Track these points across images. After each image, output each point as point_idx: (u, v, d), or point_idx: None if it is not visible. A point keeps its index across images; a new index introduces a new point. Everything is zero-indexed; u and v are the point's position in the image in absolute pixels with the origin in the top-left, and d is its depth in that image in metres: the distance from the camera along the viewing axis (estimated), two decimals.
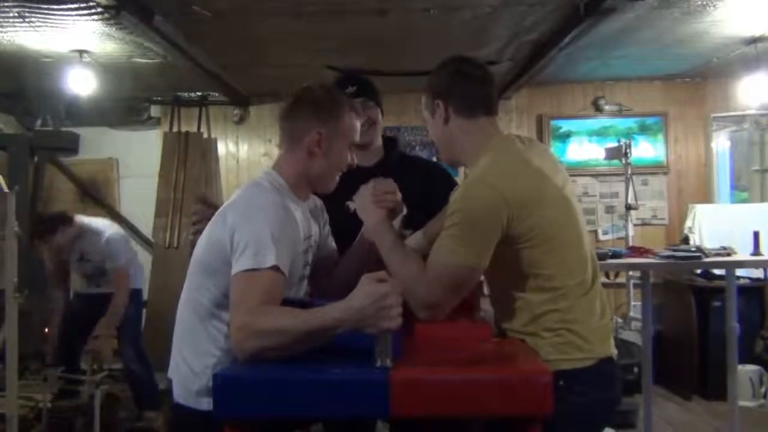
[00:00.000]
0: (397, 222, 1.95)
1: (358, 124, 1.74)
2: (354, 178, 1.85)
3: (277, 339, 1.35)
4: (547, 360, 1.51)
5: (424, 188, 1.87)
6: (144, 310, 4.53)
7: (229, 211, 1.57)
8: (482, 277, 1.66)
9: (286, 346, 1.35)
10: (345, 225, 1.98)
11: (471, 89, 1.68)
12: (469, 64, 1.74)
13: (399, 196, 1.79)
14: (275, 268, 1.44)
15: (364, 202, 1.73)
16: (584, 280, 1.61)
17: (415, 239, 1.91)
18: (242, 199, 1.61)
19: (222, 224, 1.54)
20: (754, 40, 4.42)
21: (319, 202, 1.86)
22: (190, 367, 1.58)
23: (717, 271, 4.42)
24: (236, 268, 1.45)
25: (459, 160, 1.71)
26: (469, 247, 1.50)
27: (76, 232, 3.93)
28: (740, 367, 3.81)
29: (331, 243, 1.90)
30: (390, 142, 2.34)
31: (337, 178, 1.74)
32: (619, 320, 5.23)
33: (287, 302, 1.47)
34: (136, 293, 4.25)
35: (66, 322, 4.30)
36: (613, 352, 1.64)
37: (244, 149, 5.95)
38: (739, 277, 4.35)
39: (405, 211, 1.95)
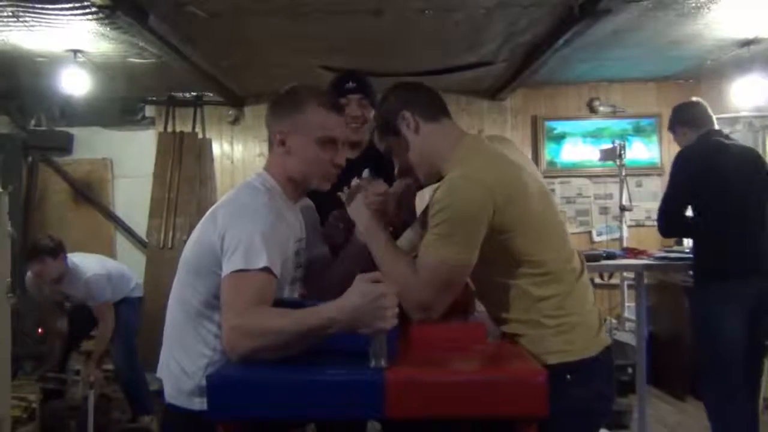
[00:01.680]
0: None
1: (331, 119, 1.67)
2: (346, 169, 1.82)
3: (271, 339, 1.34)
4: (553, 351, 1.52)
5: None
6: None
7: (219, 211, 1.57)
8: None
9: (280, 347, 1.35)
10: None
11: (426, 95, 1.73)
12: (407, 81, 1.81)
13: (390, 197, 1.79)
14: (266, 270, 1.43)
15: (355, 204, 1.74)
16: (573, 264, 1.63)
17: (406, 237, 1.92)
18: (233, 200, 1.61)
19: (212, 225, 1.54)
20: (747, 43, 4.44)
21: (309, 202, 1.86)
22: (182, 367, 1.57)
23: None
24: (227, 269, 1.45)
25: (438, 169, 1.68)
26: (458, 244, 1.50)
27: (62, 270, 3.88)
28: None
29: (323, 245, 1.89)
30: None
31: (325, 178, 1.70)
32: (614, 321, 5.24)
33: (279, 303, 1.47)
34: (135, 300, 4.25)
35: (70, 320, 4.29)
36: (609, 340, 1.66)
37: (239, 150, 5.94)
38: None
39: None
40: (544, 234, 1.57)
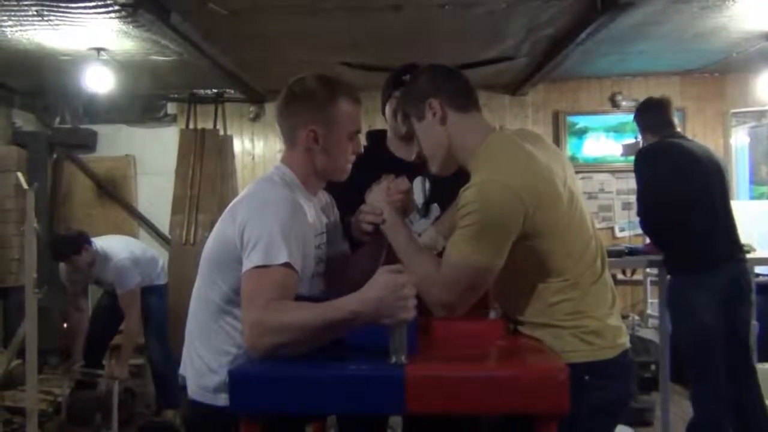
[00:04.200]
0: (428, 222, 2.01)
1: (358, 111, 1.67)
2: (395, 171, 1.83)
3: (292, 335, 1.33)
4: (570, 351, 1.50)
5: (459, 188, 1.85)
6: None
7: (239, 207, 1.56)
8: None
9: (302, 342, 1.33)
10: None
11: (459, 84, 1.66)
12: (444, 65, 1.72)
13: (412, 195, 1.78)
14: (287, 265, 1.42)
15: (377, 200, 1.72)
16: (594, 267, 1.59)
17: (428, 234, 1.91)
18: (252, 194, 1.60)
19: (232, 220, 1.53)
20: None
21: (329, 197, 1.85)
22: (206, 363, 1.57)
23: None
24: (247, 265, 1.43)
25: (458, 162, 1.65)
26: (486, 248, 1.47)
27: (92, 256, 3.96)
28: (759, 365, 3.76)
29: (343, 241, 1.87)
30: None
31: (349, 166, 1.70)
32: (636, 318, 5.20)
33: (300, 299, 1.46)
34: (161, 288, 4.30)
35: (94, 319, 4.35)
36: (628, 344, 1.63)
37: (259, 146, 5.98)
38: (758, 275, 4.29)
39: (438, 212, 2.01)
40: (568, 240, 1.54)
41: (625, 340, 1.61)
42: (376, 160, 2.00)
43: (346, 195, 1.84)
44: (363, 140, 1.79)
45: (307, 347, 1.34)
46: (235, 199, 1.64)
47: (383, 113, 2.20)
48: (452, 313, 1.54)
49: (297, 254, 1.47)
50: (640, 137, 4.38)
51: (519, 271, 1.55)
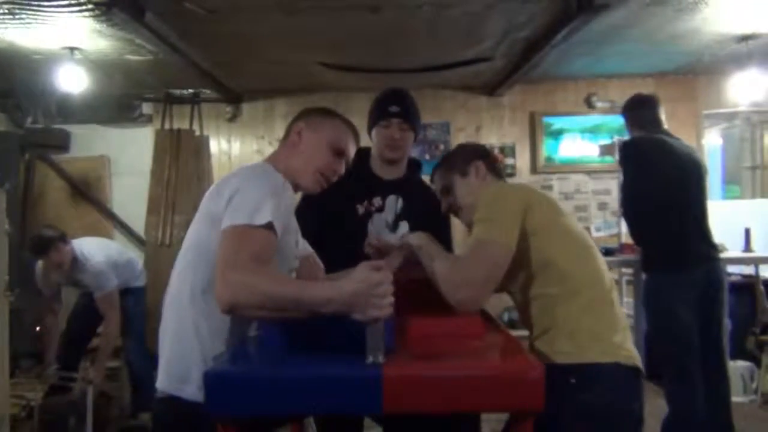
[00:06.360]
0: (396, 237, 2.21)
1: (347, 135, 1.81)
2: (373, 186, 2.31)
3: (261, 299, 1.33)
4: (559, 352, 1.57)
5: (432, 211, 2.11)
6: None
7: (227, 183, 1.56)
8: None
9: (267, 309, 1.34)
10: (354, 226, 2.27)
11: (495, 160, 2.01)
12: (485, 146, 2.15)
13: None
14: (269, 226, 1.43)
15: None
16: (599, 284, 1.70)
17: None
18: (242, 171, 1.61)
19: (218, 197, 1.53)
20: (745, 38, 4.44)
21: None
22: (182, 360, 1.55)
23: None
24: (228, 222, 1.44)
25: None
26: (500, 227, 1.63)
27: (71, 256, 3.91)
28: (732, 363, 3.83)
29: (306, 244, 1.95)
30: (415, 164, 2.51)
31: (317, 182, 1.76)
32: None
33: None
34: (139, 290, 4.26)
35: (71, 321, 4.29)
36: (639, 363, 1.66)
37: (236, 146, 5.94)
38: (730, 274, 4.37)
39: (407, 229, 2.29)
40: (569, 246, 1.68)
41: (622, 356, 1.62)
42: (360, 174, 2.33)
43: (334, 201, 2.13)
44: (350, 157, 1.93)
45: (273, 315, 1.37)
46: (220, 180, 1.63)
47: (369, 134, 2.43)
48: (474, 296, 1.61)
49: (279, 223, 1.48)
50: (616, 137, 4.45)
51: (525, 273, 1.67)
